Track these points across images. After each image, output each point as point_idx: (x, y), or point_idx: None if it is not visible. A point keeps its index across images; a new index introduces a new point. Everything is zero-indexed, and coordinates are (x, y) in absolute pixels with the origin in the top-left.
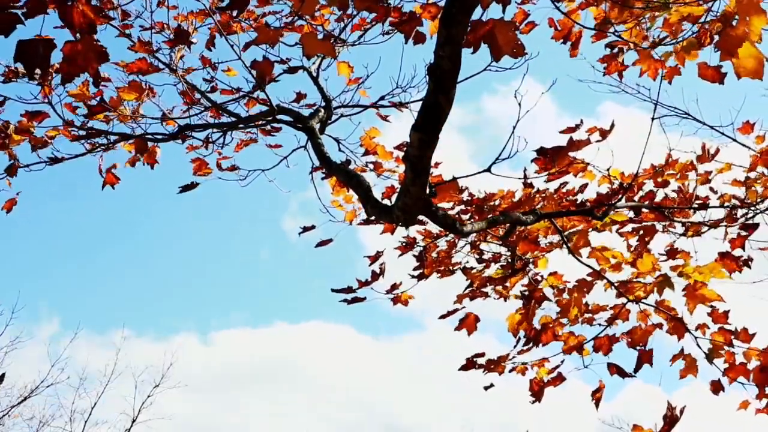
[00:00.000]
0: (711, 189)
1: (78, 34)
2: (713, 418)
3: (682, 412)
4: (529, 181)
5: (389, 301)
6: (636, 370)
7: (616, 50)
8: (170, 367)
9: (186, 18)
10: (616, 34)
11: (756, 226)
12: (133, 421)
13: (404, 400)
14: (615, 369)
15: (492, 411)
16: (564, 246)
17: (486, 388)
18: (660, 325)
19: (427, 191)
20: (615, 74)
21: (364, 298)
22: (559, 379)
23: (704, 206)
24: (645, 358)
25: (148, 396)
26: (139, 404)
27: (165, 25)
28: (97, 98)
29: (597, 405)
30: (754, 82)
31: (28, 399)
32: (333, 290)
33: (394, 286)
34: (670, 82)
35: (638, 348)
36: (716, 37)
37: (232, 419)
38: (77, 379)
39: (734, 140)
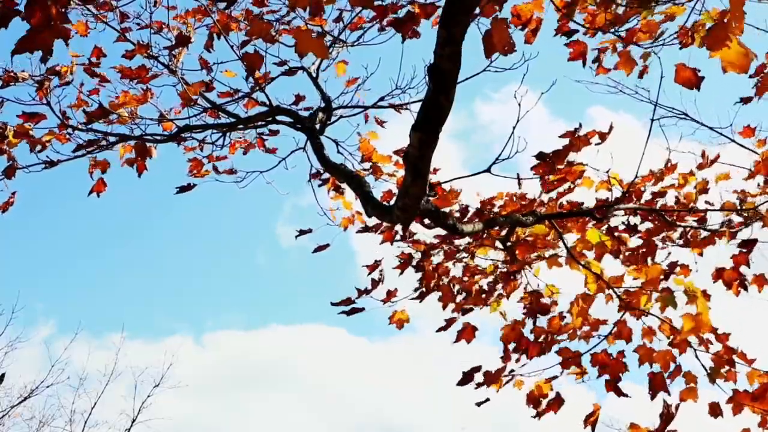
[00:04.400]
0: (707, 202)
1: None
2: (707, 421)
3: (677, 409)
4: (522, 187)
5: (386, 306)
6: (652, 397)
7: (601, 50)
8: (170, 367)
9: (184, 18)
10: (612, 28)
11: (755, 241)
12: (133, 421)
13: (402, 401)
14: (612, 387)
15: (489, 411)
16: (562, 246)
17: (479, 404)
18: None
19: (427, 192)
20: (579, 60)
21: (363, 309)
22: (558, 402)
23: (703, 216)
24: (658, 384)
25: (148, 396)
26: (138, 404)
27: (164, 25)
28: (94, 97)
29: (593, 429)
30: (751, 83)
31: (28, 399)
32: (332, 303)
33: (390, 294)
34: (641, 77)
35: (649, 372)
36: (696, 38)
37: (231, 420)
38: (77, 379)
39: (733, 141)
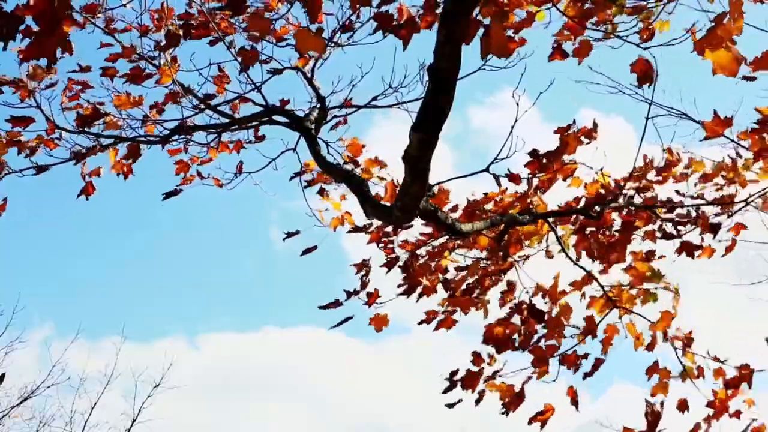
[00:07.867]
0: (677, 192)
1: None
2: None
3: (662, 406)
4: (504, 186)
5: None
6: (589, 374)
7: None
8: (170, 368)
9: (168, 18)
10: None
11: (719, 226)
12: (133, 421)
13: (398, 402)
14: (572, 393)
15: (487, 413)
16: (557, 244)
17: (450, 405)
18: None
19: (426, 192)
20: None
21: (352, 317)
22: (520, 399)
23: (682, 207)
24: (597, 366)
25: (148, 396)
26: (138, 405)
27: (149, 29)
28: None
29: (542, 427)
30: (750, 85)
31: (28, 399)
32: (320, 307)
33: (372, 297)
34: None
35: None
36: (656, 34)
37: (231, 421)
38: (77, 380)
39: (731, 140)
